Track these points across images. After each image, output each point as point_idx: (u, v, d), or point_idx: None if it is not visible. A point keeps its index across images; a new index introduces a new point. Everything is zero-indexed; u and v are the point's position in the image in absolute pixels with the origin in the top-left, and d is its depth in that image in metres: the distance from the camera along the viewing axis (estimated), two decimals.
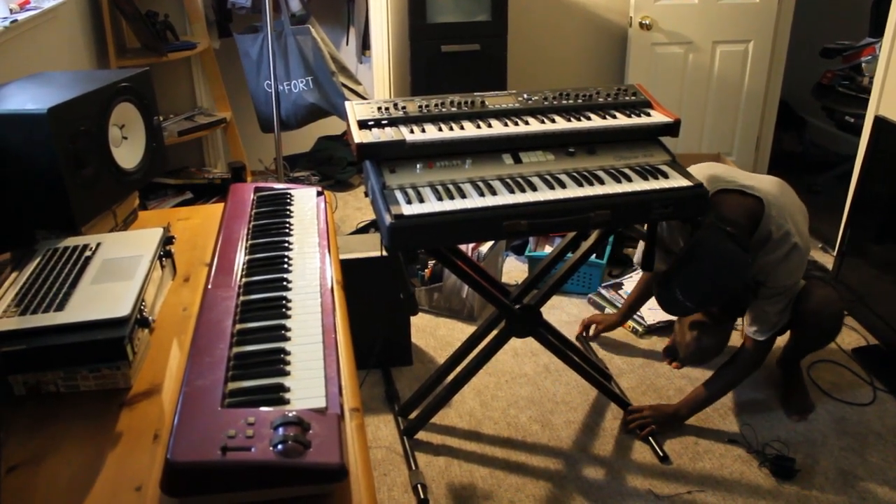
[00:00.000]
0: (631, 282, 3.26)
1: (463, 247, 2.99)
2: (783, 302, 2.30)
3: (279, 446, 0.85)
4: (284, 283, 1.25)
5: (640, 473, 2.29)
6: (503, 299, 2.30)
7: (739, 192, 2.21)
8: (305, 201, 1.62)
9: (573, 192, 1.95)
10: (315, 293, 1.22)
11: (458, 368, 2.41)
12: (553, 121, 2.14)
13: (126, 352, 1.08)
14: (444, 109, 2.14)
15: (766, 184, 2.27)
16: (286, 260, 1.33)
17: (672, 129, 2.17)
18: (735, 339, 2.62)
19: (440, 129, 2.06)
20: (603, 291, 3.23)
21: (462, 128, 2.07)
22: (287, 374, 1.01)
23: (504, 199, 1.90)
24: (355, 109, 2.11)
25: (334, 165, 4.61)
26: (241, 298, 1.20)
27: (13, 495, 0.91)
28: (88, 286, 1.19)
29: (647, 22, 3.86)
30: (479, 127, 2.08)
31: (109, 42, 3.41)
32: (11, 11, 2.52)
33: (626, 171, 2.06)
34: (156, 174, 1.71)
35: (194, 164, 4.24)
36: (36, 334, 1.07)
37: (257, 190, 1.66)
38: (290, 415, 0.90)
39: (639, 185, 1.99)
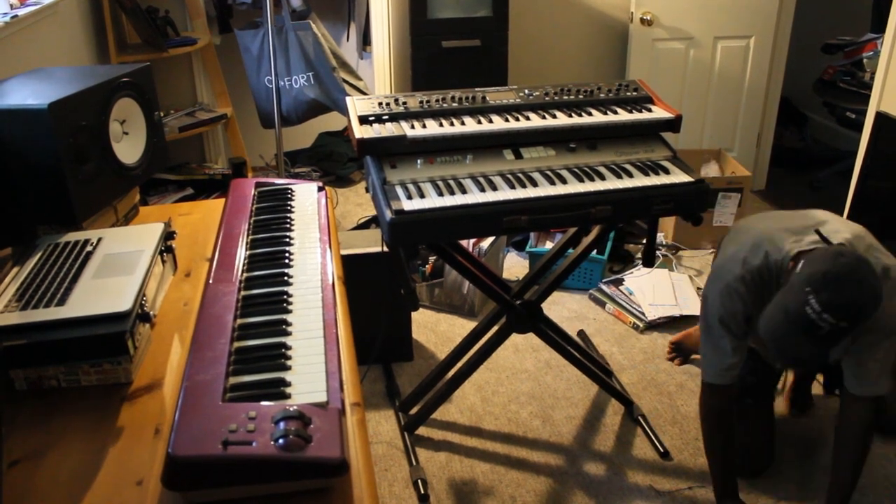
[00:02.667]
0: (631, 278, 3.26)
1: (464, 242, 2.99)
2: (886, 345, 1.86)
3: (280, 441, 0.85)
4: (285, 278, 1.26)
5: (641, 469, 2.29)
6: (504, 295, 2.30)
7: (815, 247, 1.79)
8: (306, 197, 1.62)
9: (574, 187, 1.95)
10: (316, 288, 1.22)
11: (459, 364, 2.41)
12: (554, 116, 2.14)
13: (127, 346, 1.08)
14: (444, 105, 2.14)
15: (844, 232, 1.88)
16: (287, 255, 1.34)
17: (673, 124, 2.16)
18: None
19: (441, 125, 2.06)
20: (604, 287, 3.23)
21: (463, 123, 2.07)
22: (288, 368, 1.01)
23: (505, 194, 1.90)
24: (356, 105, 2.11)
25: (335, 161, 4.61)
26: (242, 293, 1.21)
27: (15, 490, 0.91)
28: (90, 281, 1.20)
29: (649, 17, 3.85)
30: (479, 122, 2.08)
31: (110, 37, 3.41)
32: (12, 7, 2.52)
33: (627, 166, 2.06)
34: (156, 170, 1.71)
35: (195, 159, 4.24)
36: (37, 329, 1.07)
37: (258, 185, 1.66)
38: (292, 409, 0.90)
39: (640, 180, 1.99)
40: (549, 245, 3.48)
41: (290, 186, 1.67)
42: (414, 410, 2.48)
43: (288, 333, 1.09)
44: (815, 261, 1.65)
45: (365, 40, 4.59)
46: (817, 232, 1.82)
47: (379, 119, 2.07)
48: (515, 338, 2.88)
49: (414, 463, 2.30)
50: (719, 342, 1.93)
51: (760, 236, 1.89)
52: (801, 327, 1.59)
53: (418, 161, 2.01)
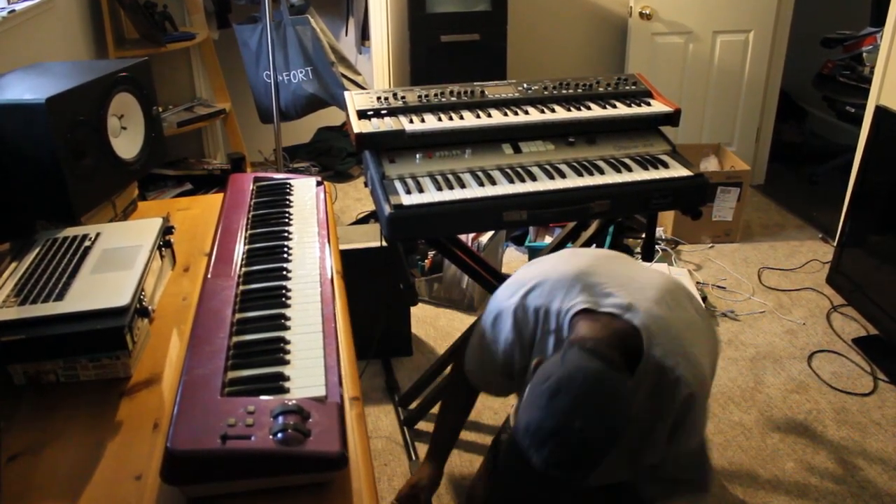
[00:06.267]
0: None
1: (463, 237, 2.99)
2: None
3: (279, 435, 0.85)
4: (284, 272, 1.25)
5: None
6: None
7: (608, 315, 1.38)
8: (305, 191, 1.61)
9: (573, 181, 1.94)
10: (315, 283, 1.22)
11: None
12: (553, 110, 2.14)
13: (126, 341, 1.08)
14: (443, 99, 2.13)
15: (648, 296, 1.42)
16: (286, 249, 1.33)
17: (672, 118, 2.16)
18: None
19: (440, 119, 2.06)
20: None
21: (462, 117, 2.07)
22: (287, 363, 1.01)
23: (504, 189, 1.90)
24: (354, 99, 2.11)
25: (334, 156, 4.60)
26: (241, 288, 1.20)
27: (14, 484, 0.91)
28: (88, 276, 1.19)
29: (648, 12, 3.84)
30: (478, 117, 2.07)
31: (108, 33, 3.40)
32: (9, 2, 2.51)
33: (626, 160, 2.05)
34: (155, 165, 1.70)
35: (194, 155, 4.23)
36: (36, 324, 1.07)
37: (257, 180, 1.66)
38: (290, 403, 0.90)
39: (639, 174, 1.99)
40: (548, 240, 3.48)
41: (288, 181, 1.67)
42: (413, 405, 2.49)
43: (287, 328, 1.09)
44: (531, 397, 1.24)
45: (363, 35, 4.58)
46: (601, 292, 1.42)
47: (377, 114, 2.07)
48: None
49: (413, 457, 2.30)
50: (487, 350, 1.58)
51: (559, 277, 1.47)
52: (541, 475, 1.24)
53: (417, 156, 2.00)
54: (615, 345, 1.31)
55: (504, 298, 1.51)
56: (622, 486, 1.64)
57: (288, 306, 1.15)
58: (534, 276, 1.50)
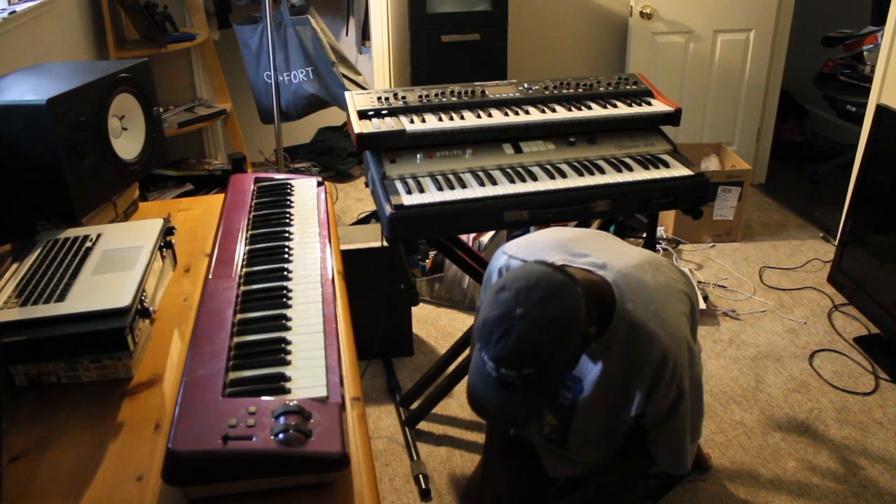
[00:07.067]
0: None
1: (464, 237, 2.99)
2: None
3: (280, 435, 0.85)
4: (285, 272, 1.26)
5: None
6: None
7: (582, 269, 1.49)
8: (306, 191, 1.61)
9: (574, 181, 1.94)
10: (316, 283, 1.22)
11: (460, 359, 2.41)
12: (553, 110, 2.14)
13: (127, 342, 1.08)
14: (444, 99, 2.13)
15: (626, 261, 1.51)
16: (287, 250, 1.33)
17: (673, 118, 2.16)
18: None
19: (440, 119, 2.06)
20: None
21: (462, 117, 2.07)
22: (288, 363, 1.01)
23: (504, 188, 1.90)
24: (355, 99, 2.11)
25: (335, 156, 4.60)
26: (242, 288, 1.21)
27: (16, 485, 0.92)
28: (89, 277, 1.20)
29: (648, 11, 3.84)
30: (479, 117, 2.07)
31: (108, 33, 3.40)
32: (10, 2, 2.51)
33: (627, 160, 2.05)
34: (156, 165, 1.70)
35: (194, 155, 4.23)
36: (37, 325, 1.07)
37: (257, 180, 1.66)
38: (292, 404, 0.90)
39: (640, 174, 1.99)
40: None
41: (289, 181, 1.67)
42: (415, 405, 2.49)
43: (288, 328, 1.09)
44: (485, 303, 1.34)
45: (364, 35, 4.58)
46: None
47: (378, 114, 2.07)
48: None
49: (415, 458, 2.31)
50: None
51: (537, 242, 1.61)
52: (496, 385, 1.30)
53: (418, 156, 2.00)
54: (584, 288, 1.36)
55: (492, 263, 1.66)
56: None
57: (289, 307, 1.15)
58: (519, 243, 1.64)
